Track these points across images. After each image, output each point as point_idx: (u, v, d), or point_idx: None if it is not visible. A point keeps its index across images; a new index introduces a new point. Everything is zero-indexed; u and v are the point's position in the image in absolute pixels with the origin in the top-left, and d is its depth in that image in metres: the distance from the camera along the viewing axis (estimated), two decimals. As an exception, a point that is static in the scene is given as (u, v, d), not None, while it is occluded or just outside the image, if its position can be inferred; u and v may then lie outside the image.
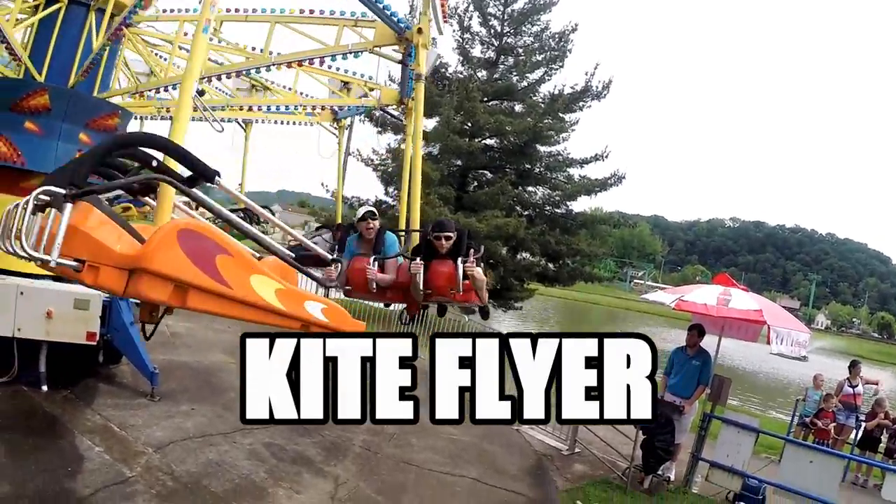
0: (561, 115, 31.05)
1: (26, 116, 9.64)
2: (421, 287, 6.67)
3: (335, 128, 14.81)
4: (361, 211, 7.17)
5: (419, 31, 9.01)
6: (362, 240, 7.15)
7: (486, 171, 32.10)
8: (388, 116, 28.03)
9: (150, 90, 12.09)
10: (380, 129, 31.00)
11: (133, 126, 12.42)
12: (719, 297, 10.39)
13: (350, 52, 9.73)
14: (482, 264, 7.24)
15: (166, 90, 11.78)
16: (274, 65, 10.42)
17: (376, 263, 6.86)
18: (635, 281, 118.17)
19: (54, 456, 7.91)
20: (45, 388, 9.75)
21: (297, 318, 4.14)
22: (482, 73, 32.22)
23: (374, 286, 6.87)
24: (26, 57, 9.99)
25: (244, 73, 11.41)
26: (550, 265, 30.74)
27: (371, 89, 12.69)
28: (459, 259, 6.79)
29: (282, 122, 14.71)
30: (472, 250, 6.99)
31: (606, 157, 30.84)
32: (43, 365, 9.87)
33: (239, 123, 15.35)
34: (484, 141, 30.99)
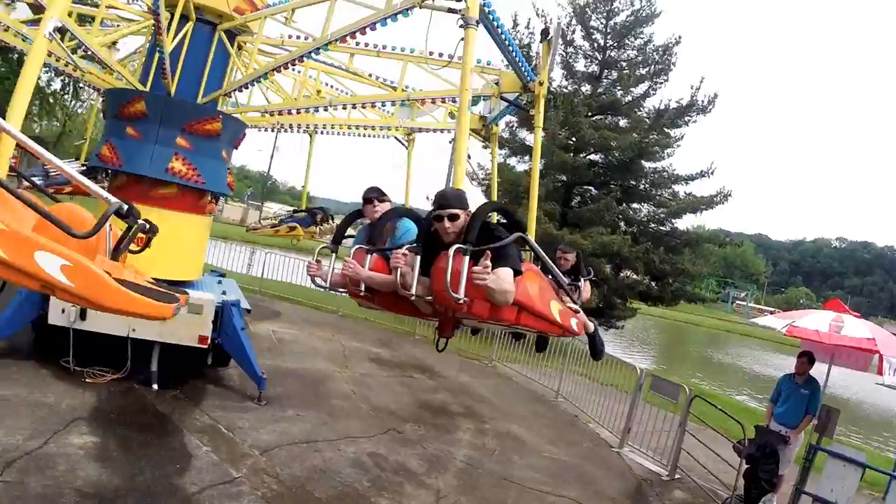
0: (666, 130, 30.39)
1: (127, 122, 10.06)
2: (413, 288, 4.54)
3: (405, 140, 14.97)
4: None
5: (540, 83, 9.32)
6: (373, 228, 5.72)
7: (590, 187, 31.61)
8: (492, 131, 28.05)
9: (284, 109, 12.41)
10: (484, 144, 30.95)
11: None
12: (831, 324, 9.94)
13: (481, 96, 10.23)
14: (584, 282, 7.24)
15: (317, 110, 12.18)
16: (409, 98, 10.84)
17: (370, 257, 5.14)
18: (737, 302, 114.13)
19: (164, 452, 8.06)
20: (155, 386, 9.99)
21: (23, 271, 3.12)
22: (586, 88, 31.79)
23: (362, 288, 5.12)
24: (130, 75, 10.37)
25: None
26: (654, 284, 30.01)
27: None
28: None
29: (435, 131, 14.82)
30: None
31: (712, 173, 29.97)
32: (155, 364, 10.14)
33: (399, 139, 15.58)
34: (589, 156, 30.59)
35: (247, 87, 10.83)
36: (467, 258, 4.04)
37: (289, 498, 7.63)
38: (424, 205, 35.22)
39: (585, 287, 7.40)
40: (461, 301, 4.04)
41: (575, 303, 5.86)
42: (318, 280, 5.52)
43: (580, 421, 13.53)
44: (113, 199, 3.63)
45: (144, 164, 10.07)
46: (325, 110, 12.44)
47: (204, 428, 9.03)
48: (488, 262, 3.95)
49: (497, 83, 10.35)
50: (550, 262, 5.33)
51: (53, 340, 9.99)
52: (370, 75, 12.46)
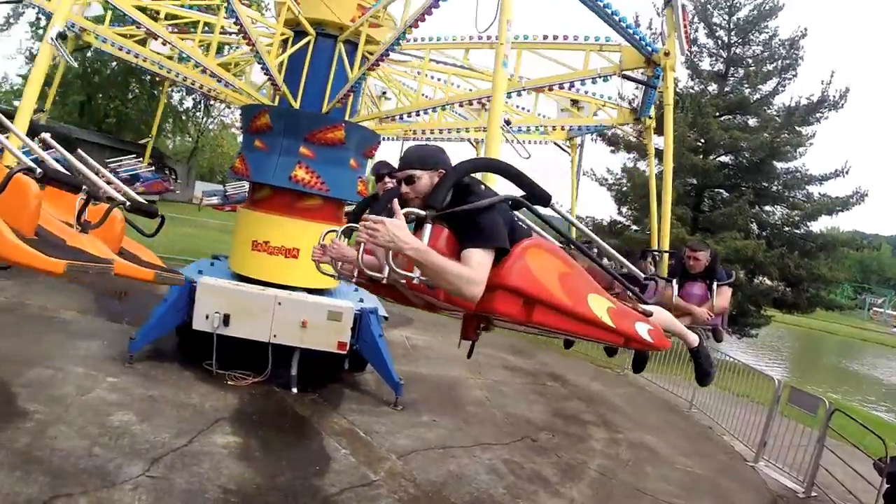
0: (797, 128, 29.14)
1: (255, 135, 10.42)
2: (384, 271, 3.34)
3: (568, 146, 14.67)
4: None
5: (666, 53, 8.80)
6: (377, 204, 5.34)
7: (721, 190, 30.61)
8: (621, 136, 27.60)
9: (398, 115, 12.50)
10: (612, 149, 30.47)
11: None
12: None
13: (599, 77, 9.66)
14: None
15: (417, 114, 12.17)
16: (525, 90, 10.57)
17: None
18: (874, 309, 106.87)
19: (303, 454, 8.18)
20: (294, 390, 10.18)
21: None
22: (713, 87, 30.83)
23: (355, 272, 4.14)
24: (283, 84, 10.60)
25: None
26: (789, 290, 28.71)
27: (598, 107, 12.49)
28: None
29: (521, 143, 14.75)
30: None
31: (847, 172, 28.49)
32: (295, 369, 10.35)
33: (562, 148, 15.56)
34: (719, 158, 29.66)
35: (352, 91, 10.83)
36: (407, 225, 3.16)
37: (425, 502, 7.60)
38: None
39: (722, 293, 7.20)
40: (383, 280, 3.38)
41: (644, 302, 4.53)
42: (323, 267, 4.67)
43: (714, 433, 13.05)
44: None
45: (269, 173, 10.56)
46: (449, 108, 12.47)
47: (342, 431, 9.12)
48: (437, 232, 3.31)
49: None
50: (588, 244, 4.61)
51: (197, 345, 10.36)
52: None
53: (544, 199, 3.82)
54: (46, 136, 7.73)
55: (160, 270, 4.73)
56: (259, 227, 10.86)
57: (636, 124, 11.12)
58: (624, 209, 30.93)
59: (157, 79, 18.61)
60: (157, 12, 12.39)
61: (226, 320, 9.96)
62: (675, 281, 7.21)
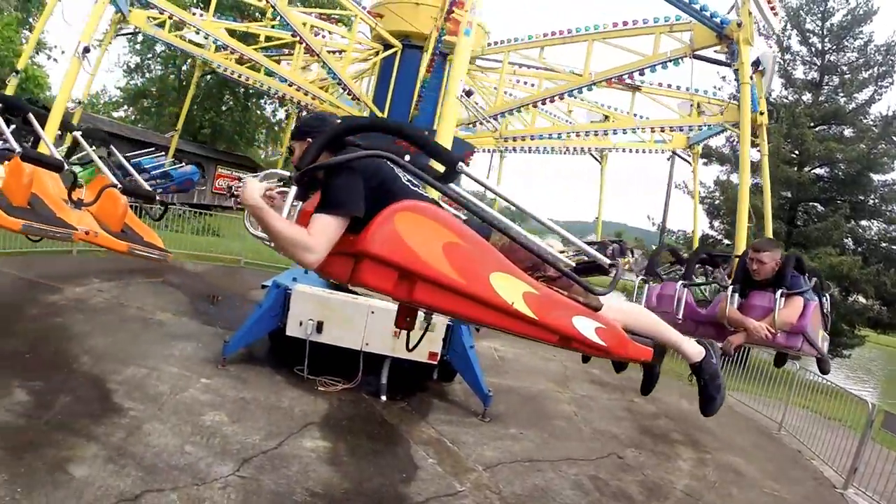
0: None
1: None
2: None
3: (689, 154, 14.36)
4: None
5: (738, 24, 8.27)
6: None
7: (816, 204, 29.62)
8: (714, 148, 27.01)
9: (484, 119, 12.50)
10: (706, 161, 29.83)
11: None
12: None
13: (669, 60, 9.37)
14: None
15: (495, 118, 12.14)
16: (594, 83, 10.38)
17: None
18: None
19: (390, 461, 8.17)
20: (383, 398, 10.22)
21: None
22: (807, 96, 29.89)
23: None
24: (367, 98, 10.72)
25: (566, 95, 11.33)
26: (885, 309, 27.47)
27: (698, 104, 12.19)
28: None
29: (631, 151, 14.56)
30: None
31: (944, 186, 27.37)
32: (385, 377, 10.40)
33: (593, 156, 15.45)
34: (814, 170, 28.70)
35: (487, 120, 10.91)
36: (259, 184, 3.07)
37: (510, 515, 7.54)
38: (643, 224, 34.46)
39: (791, 305, 6.05)
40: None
41: (591, 291, 3.41)
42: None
43: (803, 457, 12.55)
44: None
45: None
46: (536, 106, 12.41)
47: (429, 440, 9.10)
48: None
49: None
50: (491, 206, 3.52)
51: (289, 350, 10.52)
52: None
53: (449, 161, 3.19)
54: (77, 133, 8.25)
55: (151, 249, 5.40)
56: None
57: (687, 150, 10.87)
58: (716, 223, 30.30)
59: (251, 91, 19.20)
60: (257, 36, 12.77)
61: (319, 327, 10.10)
62: (731, 289, 6.41)
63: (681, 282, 7.00)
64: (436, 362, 10.37)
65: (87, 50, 6.24)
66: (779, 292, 5.96)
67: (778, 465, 11.54)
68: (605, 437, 10.77)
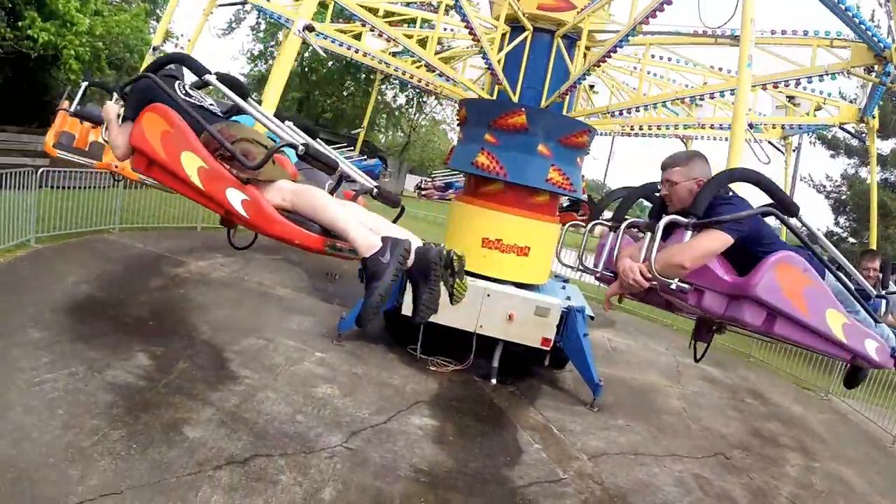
0: None
1: (504, 133, 10.32)
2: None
3: (782, 145, 13.83)
4: None
5: None
6: None
7: None
8: (842, 139, 25.84)
9: (619, 110, 12.29)
10: (832, 153, 28.47)
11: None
12: None
13: (826, 74, 9.07)
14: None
15: (631, 111, 11.92)
16: (753, 86, 10.10)
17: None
18: None
19: (496, 444, 8.22)
20: (494, 381, 10.27)
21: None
22: None
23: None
24: (504, 80, 10.65)
25: (716, 95, 11.06)
26: None
27: (818, 106, 11.67)
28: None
29: (723, 140, 14.07)
30: None
31: None
32: (496, 361, 10.44)
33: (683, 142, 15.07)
34: None
35: (574, 87, 10.73)
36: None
37: (610, 506, 7.48)
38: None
39: (697, 239, 5.58)
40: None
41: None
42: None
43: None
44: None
45: (526, 174, 10.39)
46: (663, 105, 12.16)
47: (536, 426, 9.11)
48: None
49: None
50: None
51: (403, 329, 10.68)
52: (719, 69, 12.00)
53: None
54: (289, 123, 8.34)
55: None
56: (487, 222, 10.74)
57: (858, 124, 10.39)
58: (841, 219, 28.91)
59: (372, 77, 19.34)
60: (377, 10, 12.85)
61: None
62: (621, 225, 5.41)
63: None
64: (548, 348, 10.32)
65: (309, 28, 6.40)
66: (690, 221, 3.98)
67: (890, 481, 11.01)
68: (713, 436, 10.52)
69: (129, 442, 6.17)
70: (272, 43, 42.48)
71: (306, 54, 38.57)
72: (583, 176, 11.46)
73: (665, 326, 18.61)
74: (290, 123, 7.05)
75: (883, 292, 5.70)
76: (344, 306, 11.76)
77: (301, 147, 3.58)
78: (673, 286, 3.71)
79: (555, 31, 10.62)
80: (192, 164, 3.68)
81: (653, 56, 12.10)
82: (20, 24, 18.99)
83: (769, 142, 13.80)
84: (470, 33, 9.55)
